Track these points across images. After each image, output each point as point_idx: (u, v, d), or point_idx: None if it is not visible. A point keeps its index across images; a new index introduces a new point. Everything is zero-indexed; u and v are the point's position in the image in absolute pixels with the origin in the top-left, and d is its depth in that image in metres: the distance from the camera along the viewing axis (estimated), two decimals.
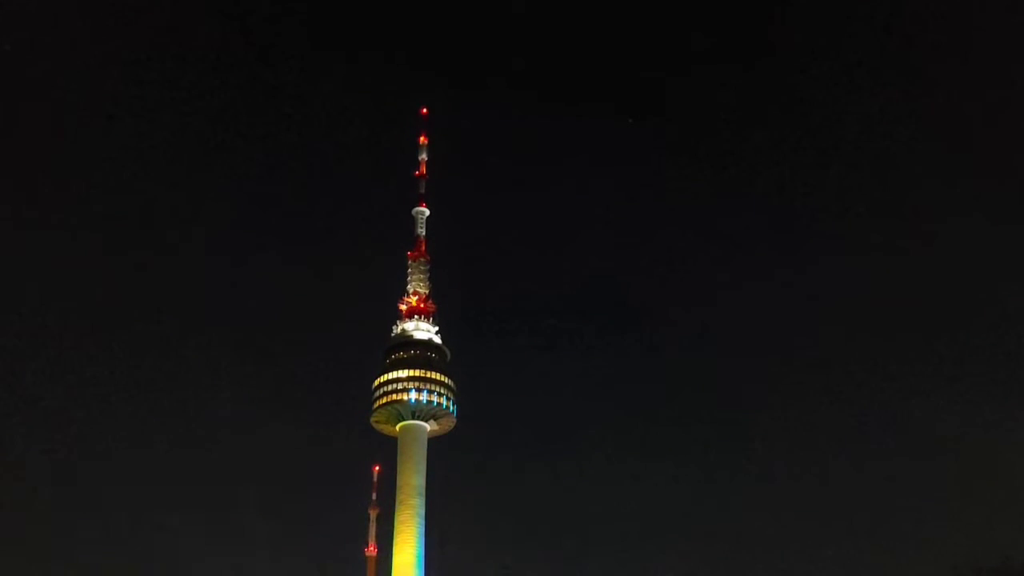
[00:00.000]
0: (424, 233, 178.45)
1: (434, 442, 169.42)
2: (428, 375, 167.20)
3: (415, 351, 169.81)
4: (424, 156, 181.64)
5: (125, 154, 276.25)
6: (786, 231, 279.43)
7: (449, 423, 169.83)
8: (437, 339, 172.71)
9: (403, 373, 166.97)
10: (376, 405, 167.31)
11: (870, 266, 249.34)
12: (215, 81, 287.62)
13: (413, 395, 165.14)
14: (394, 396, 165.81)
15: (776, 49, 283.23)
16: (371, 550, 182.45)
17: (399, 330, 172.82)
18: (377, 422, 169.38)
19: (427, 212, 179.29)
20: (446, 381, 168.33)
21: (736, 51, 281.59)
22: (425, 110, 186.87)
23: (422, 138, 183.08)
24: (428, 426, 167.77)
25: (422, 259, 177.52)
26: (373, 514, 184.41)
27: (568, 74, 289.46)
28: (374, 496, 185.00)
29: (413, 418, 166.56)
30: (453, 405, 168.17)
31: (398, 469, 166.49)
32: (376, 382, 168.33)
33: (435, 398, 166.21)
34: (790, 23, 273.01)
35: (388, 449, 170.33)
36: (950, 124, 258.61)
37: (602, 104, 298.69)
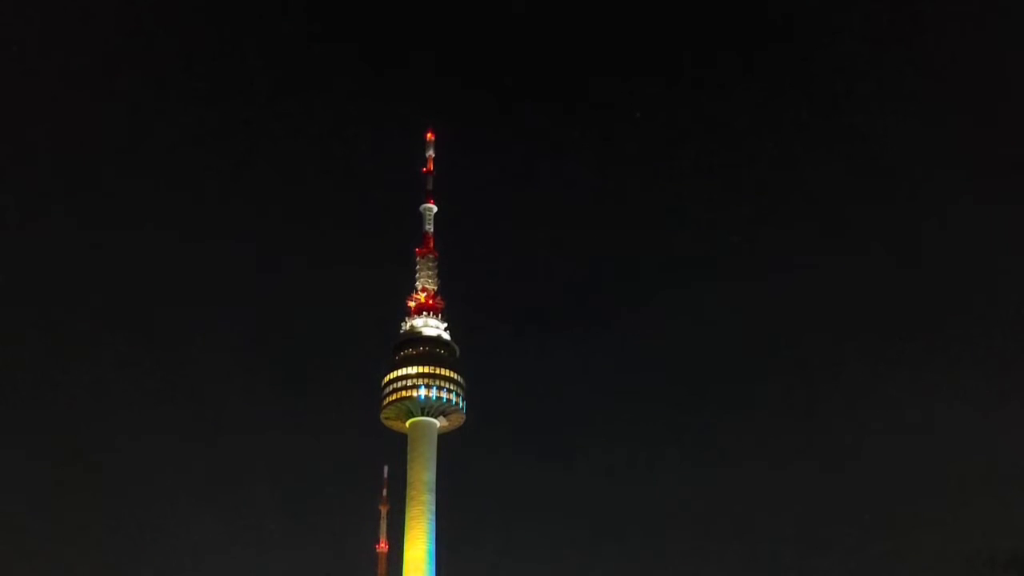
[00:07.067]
0: (432, 229, 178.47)
1: (444, 438, 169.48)
2: (437, 371, 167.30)
3: (424, 347, 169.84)
4: (432, 152, 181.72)
5: (129, 151, 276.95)
6: (784, 229, 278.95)
7: (459, 419, 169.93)
8: (446, 335, 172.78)
9: (412, 370, 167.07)
10: (385, 402, 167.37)
11: (868, 264, 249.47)
12: (220, 77, 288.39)
13: (422, 391, 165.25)
14: (403, 393, 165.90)
15: (773, 47, 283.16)
16: (382, 546, 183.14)
17: (408, 327, 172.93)
18: (387, 419, 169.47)
19: (435, 208, 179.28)
20: (455, 377, 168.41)
21: (734, 48, 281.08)
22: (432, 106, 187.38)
23: (430, 134, 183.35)
24: (438, 422, 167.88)
25: (430, 255, 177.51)
26: (383, 511, 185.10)
27: (572, 70, 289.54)
28: (384, 493, 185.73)
29: (423, 414, 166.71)
30: (462, 401, 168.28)
31: (408, 465, 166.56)
32: (385, 379, 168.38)
33: (444, 394, 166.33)
34: (788, 19, 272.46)
35: (398, 445, 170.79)
36: (950, 122, 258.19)
37: (606, 101, 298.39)
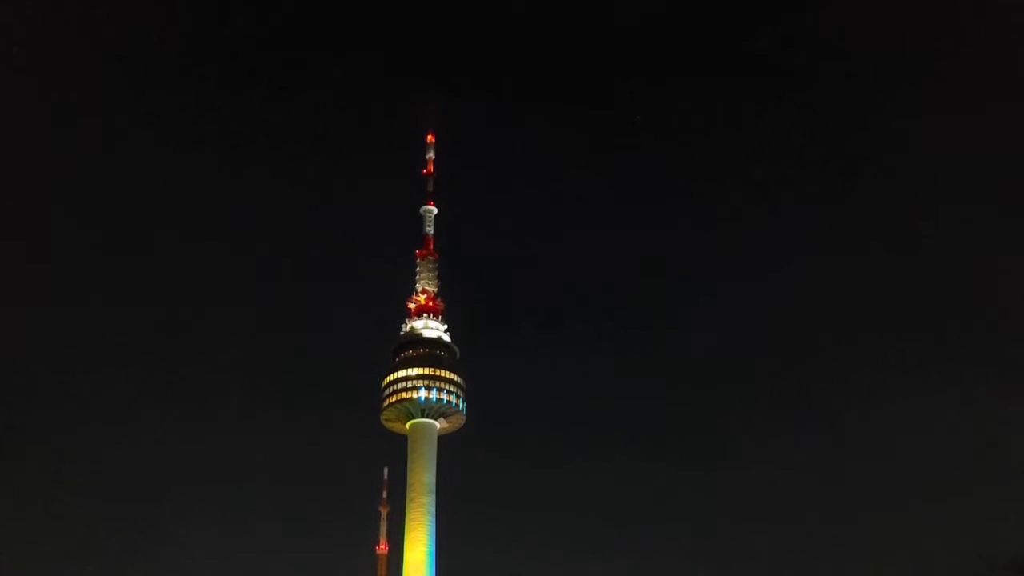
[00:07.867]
0: (432, 231, 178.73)
1: (444, 440, 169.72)
2: (437, 373, 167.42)
3: (424, 349, 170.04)
4: (432, 154, 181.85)
5: (129, 155, 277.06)
6: (785, 229, 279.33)
7: (459, 420, 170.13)
8: (446, 337, 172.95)
9: (412, 371, 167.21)
10: (386, 403, 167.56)
11: (868, 264, 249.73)
12: (221, 81, 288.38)
13: (423, 393, 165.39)
14: (404, 394, 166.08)
15: (773, 47, 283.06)
16: (382, 548, 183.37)
17: (408, 328, 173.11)
18: (387, 420, 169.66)
19: (435, 210, 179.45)
20: (455, 379, 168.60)
21: (734, 49, 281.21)
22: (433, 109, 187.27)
23: (430, 136, 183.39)
24: (438, 424, 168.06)
25: (430, 257, 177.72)
26: (384, 512, 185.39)
27: (572, 70, 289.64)
28: (384, 494, 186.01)
29: (423, 416, 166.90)
30: (462, 403, 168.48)
31: (408, 467, 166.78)
32: (386, 380, 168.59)
33: (444, 396, 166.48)
34: (788, 19, 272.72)
35: (398, 447, 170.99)
36: (950, 122, 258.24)
37: (606, 101, 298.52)
